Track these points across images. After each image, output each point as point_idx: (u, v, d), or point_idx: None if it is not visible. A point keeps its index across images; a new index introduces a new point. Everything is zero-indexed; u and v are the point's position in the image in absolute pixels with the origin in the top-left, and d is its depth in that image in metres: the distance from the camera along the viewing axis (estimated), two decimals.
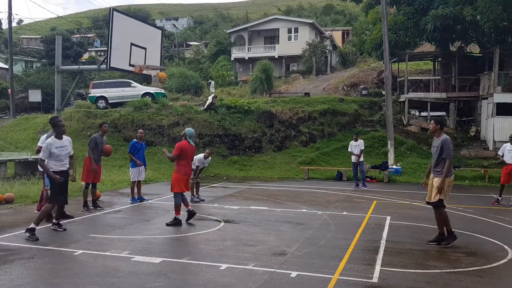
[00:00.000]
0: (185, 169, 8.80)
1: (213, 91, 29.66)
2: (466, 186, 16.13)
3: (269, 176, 18.81)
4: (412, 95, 24.07)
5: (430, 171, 7.82)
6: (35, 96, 32.15)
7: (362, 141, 15.59)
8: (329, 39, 44.84)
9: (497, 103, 20.48)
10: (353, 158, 15.37)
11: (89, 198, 10.49)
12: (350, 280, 5.57)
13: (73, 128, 22.56)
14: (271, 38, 43.62)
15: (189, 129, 9.01)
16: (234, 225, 8.92)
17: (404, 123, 23.34)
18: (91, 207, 10.33)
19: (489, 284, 5.57)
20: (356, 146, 15.25)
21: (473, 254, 7.05)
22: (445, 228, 7.54)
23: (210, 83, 31.06)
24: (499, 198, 12.20)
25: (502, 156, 12.23)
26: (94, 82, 28.58)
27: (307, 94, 27.77)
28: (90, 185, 10.41)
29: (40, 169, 9.43)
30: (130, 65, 11.47)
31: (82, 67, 12.86)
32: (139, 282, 5.34)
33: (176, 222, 8.67)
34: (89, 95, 26.89)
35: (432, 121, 7.85)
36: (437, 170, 7.57)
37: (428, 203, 7.67)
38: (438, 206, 7.50)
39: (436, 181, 7.49)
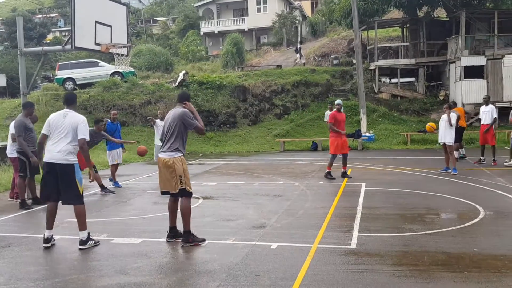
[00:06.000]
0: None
1: (303, 56, 28.91)
2: (437, 149, 16.51)
3: (245, 151, 18.84)
4: (382, 62, 24.26)
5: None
6: None
7: None
8: (298, 9, 44.45)
9: (464, 66, 20.84)
10: None
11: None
12: (329, 248, 5.68)
13: (42, 112, 21.87)
14: (240, 10, 42.98)
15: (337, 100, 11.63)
16: (213, 201, 8.93)
17: (375, 91, 23.58)
18: (102, 192, 10.17)
19: (463, 243, 5.77)
20: None
21: (446, 215, 7.27)
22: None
23: (301, 48, 29.35)
24: (481, 158, 12.71)
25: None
26: (60, 63, 27.73)
27: (279, 66, 27.66)
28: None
29: (10, 155, 9.21)
30: (96, 44, 11.11)
31: (46, 48, 12.38)
32: (120, 264, 5.31)
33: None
34: (56, 77, 26.12)
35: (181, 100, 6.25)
36: (174, 147, 5.92)
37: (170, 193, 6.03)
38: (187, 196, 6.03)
39: (167, 161, 5.88)
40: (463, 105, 20.35)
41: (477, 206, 7.66)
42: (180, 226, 6.14)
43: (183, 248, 5.87)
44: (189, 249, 5.82)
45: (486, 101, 12.96)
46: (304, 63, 28.45)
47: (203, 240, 6.04)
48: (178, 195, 5.98)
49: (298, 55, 28.96)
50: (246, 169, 13.39)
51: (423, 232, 6.25)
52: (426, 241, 5.87)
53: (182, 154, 5.98)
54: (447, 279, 4.59)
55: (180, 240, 6.05)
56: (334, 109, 11.41)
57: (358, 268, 4.97)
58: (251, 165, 14.30)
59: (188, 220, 5.98)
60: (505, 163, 12.15)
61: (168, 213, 6.18)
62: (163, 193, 6.12)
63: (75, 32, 10.50)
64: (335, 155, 11.05)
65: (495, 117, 12.62)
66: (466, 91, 20.56)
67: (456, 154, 13.22)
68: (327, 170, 11.07)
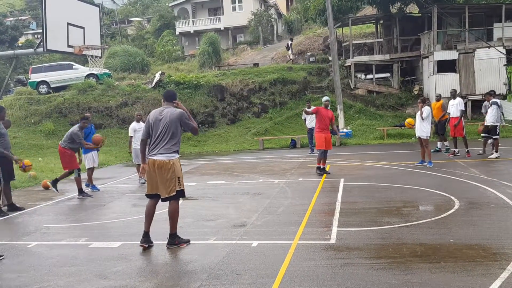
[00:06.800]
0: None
1: (291, 52, 28.76)
2: (413, 143, 16.79)
3: (225, 150, 18.82)
4: (357, 59, 24.52)
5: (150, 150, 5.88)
6: None
7: None
8: (274, 7, 44.57)
9: (437, 61, 21.24)
10: (308, 125, 15.56)
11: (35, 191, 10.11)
12: (309, 244, 5.73)
13: (15, 117, 21.52)
14: (215, 9, 42.83)
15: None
16: (193, 201, 8.91)
17: (352, 87, 23.84)
18: (79, 196, 9.95)
19: (438, 234, 5.90)
20: None
21: (423, 207, 7.42)
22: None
23: (291, 44, 28.86)
24: (455, 150, 13.01)
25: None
26: (33, 66, 27.14)
27: (256, 64, 27.69)
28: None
29: None
30: (68, 46, 10.98)
31: (17, 51, 12.14)
32: (99, 269, 5.26)
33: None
34: (29, 80, 25.60)
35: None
36: (173, 148, 5.80)
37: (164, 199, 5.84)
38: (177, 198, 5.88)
39: (167, 164, 5.73)
40: None
41: (452, 198, 7.83)
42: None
43: (163, 250, 5.85)
44: (169, 251, 5.80)
45: (453, 95, 13.29)
46: (292, 60, 28.55)
47: (188, 240, 6.03)
48: (171, 199, 5.80)
49: (289, 51, 29.00)
50: (225, 168, 13.38)
51: (400, 225, 6.37)
52: (403, 233, 5.98)
53: (178, 156, 5.93)
54: (424, 270, 4.69)
55: (158, 243, 6.02)
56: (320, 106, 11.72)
57: (338, 262, 5.04)
58: (231, 164, 14.30)
59: (176, 223, 5.95)
60: (489, 157, 12.17)
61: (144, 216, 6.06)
62: (149, 196, 5.97)
63: (46, 34, 10.36)
64: (321, 150, 11.07)
65: (462, 109, 12.93)
66: (440, 85, 20.96)
67: (439, 144, 13.96)
68: (317, 165, 11.19)
